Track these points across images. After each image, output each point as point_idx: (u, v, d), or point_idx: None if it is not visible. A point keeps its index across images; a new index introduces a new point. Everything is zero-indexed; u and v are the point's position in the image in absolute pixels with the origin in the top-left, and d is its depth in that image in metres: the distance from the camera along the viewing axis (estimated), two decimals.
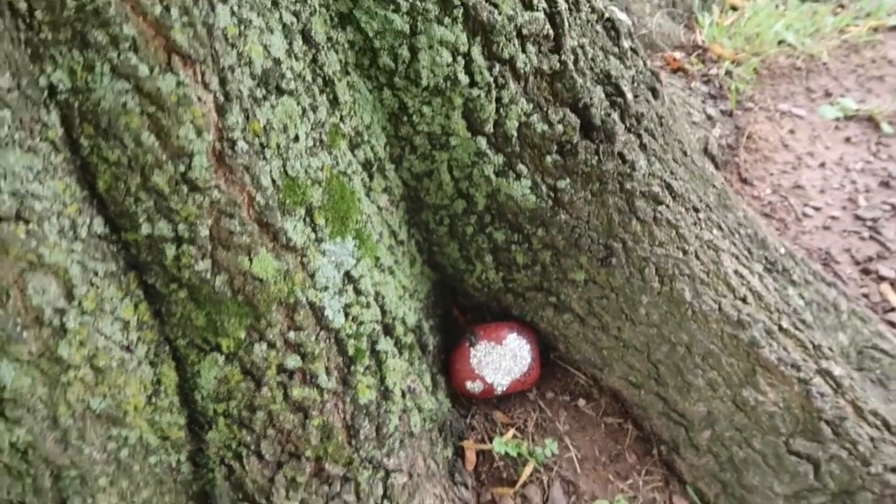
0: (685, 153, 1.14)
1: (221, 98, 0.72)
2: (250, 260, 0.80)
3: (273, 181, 0.79)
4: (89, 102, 0.67)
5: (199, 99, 0.70)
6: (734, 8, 1.76)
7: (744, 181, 1.46)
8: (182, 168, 0.72)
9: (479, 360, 1.09)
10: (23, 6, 0.59)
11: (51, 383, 0.74)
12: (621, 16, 1.15)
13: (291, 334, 0.86)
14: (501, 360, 1.09)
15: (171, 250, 0.77)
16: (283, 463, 0.89)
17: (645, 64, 1.13)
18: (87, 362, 0.76)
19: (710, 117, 1.50)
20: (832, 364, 0.99)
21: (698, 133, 1.44)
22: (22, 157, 0.63)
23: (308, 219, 0.84)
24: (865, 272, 1.32)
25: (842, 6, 1.89)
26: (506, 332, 1.10)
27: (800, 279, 1.10)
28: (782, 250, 1.12)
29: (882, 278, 1.30)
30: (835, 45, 1.76)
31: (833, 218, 1.41)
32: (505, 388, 1.09)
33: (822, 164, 1.51)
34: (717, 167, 1.46)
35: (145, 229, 0.75)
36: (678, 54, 1.67)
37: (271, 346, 0.85)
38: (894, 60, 1.70)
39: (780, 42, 1.72)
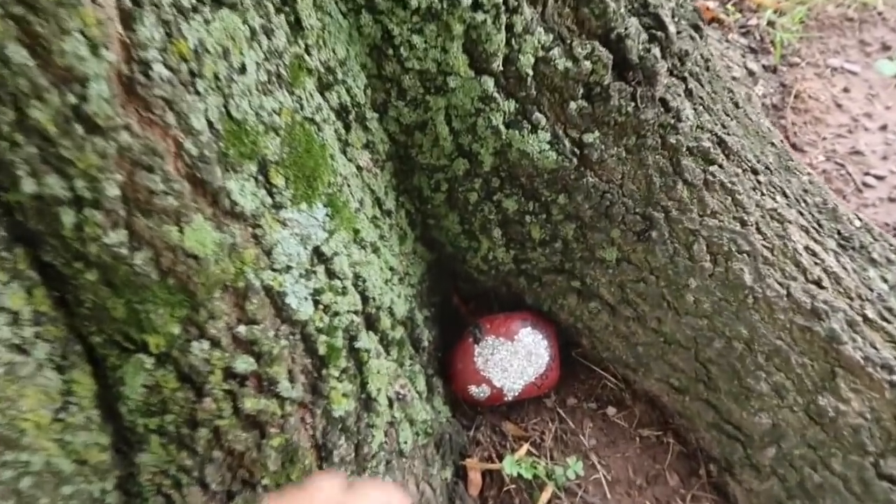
0: (737, 104, 0.93)
1: (128, 1, 0.52)
2: (181, 230, 0.60)
3: (210, 123, 0.58)
4: None
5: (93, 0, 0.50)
6: None
7: (793, 146, 1.25)
8: (73, 99, 0.51)
9: (486, 360, 0.89)
10: None
11: None
12: None
13: (242, 329, 0.66)
14: (513, 358, 0.89)
15: (68, 216, 0.56)
16: (235, 493, 0.69)
17: None
18: None
19: (751, 73, 1.29)
20: None
21: (740, 91, 1.23)
22: None
23: (261, 177, 0.64)
24: None
25: None
26: (518, 324, 0.90)
27: (881, 258, 0.89)
28: (857, 223, 0.91)
29: None
30: None
31: None
32: (517, 394, 0.90)
33: (883, 127, 1.30)
34: None
35: (28, 186, 0.54)
36: (711, 3, 1.46)
37: (215, 344, 0.65)
38: None
39: None
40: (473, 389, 0.89)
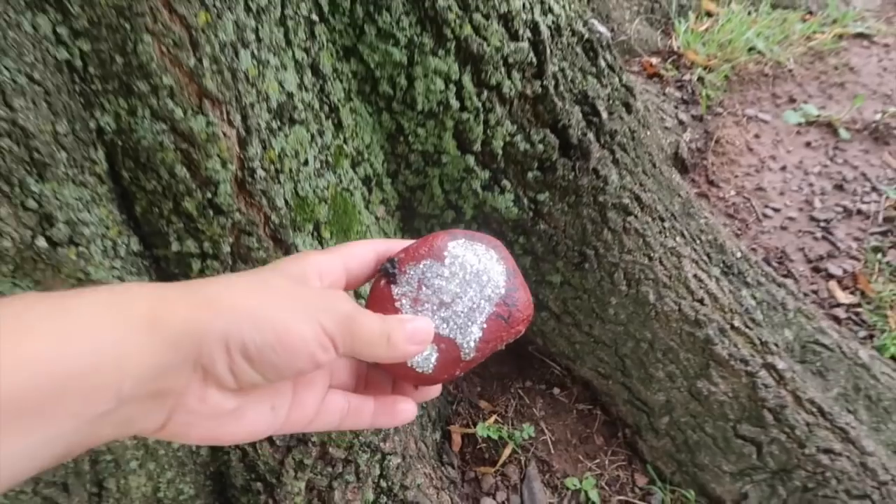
0: (654, 164, 1.25)
1: (243, 132, 0.81)
2: None
3: (286, 202, 0.89)
4: (131, 141, 0.76)
5: (225, 135, 0.80)
6: (709, 14, 1.85)
7: (711, 183, 1.58)
8: (209, 195, 0.81)
9: (413, 300, 0.48)
10: (78, 63, 0.68)
11: None
12: (601, 28, 1.24)
13: None
14: (453, 284, 0.48)
15: (196, 264, 0.87)
16: (292, 447, 1.00)
17: (620, 80, 1.24)
18: None
19: (681, 122, 1.60)
20: (777, 359, 1.12)
21: (670, 137, 1.55)
22: (75, 191, 0.72)
23: (315, 233, 0.94)
24: (816, 270, 1.45)
25: (810, 13, 1.99)
26: (444, 238, 0.51)
27: (753, 280, 1.23)
28: (738, 254, 1.24)
29: (830, 276, 1.43)
30: (801, 52, 1.87)
31: (790, 219, 1.53)
32: (478, 341, 0.47)
33: (784, 168, 1.63)
34: (686, 170, 1.57)
35: (175, 247, 0.85)
36: (654, 60, 1.76)
37: None
38: (855, 67, 1.82)
39: (751, 49, 1.83)
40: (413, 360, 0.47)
